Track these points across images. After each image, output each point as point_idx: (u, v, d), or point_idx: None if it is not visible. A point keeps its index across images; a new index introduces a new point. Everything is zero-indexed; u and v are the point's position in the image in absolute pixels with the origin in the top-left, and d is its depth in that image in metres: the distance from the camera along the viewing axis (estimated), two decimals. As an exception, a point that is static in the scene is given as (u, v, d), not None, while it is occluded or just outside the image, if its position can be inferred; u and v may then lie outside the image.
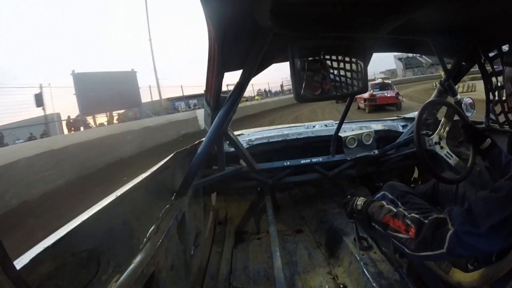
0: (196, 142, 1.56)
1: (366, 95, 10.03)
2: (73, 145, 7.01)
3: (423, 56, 42.65)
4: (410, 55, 41.38)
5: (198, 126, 12.20)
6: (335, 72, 1.05)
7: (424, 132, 1.58)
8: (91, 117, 12.56)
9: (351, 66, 1.06)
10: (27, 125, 9.53)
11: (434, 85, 16.97)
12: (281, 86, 28.44)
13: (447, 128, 1.18)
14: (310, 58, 1.01)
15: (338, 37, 1.03)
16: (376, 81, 12.32)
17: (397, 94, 10.92)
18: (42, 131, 9.74)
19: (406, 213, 0.74)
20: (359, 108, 11.59)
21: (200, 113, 12.35)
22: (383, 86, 11.40)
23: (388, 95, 10.88)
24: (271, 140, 1.86)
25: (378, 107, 10.79)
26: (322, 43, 1.03)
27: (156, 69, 16.95)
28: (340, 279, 1.28)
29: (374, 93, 10.76)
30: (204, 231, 1.65)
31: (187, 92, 17.87)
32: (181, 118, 12.54)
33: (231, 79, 1.19)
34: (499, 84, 1.30)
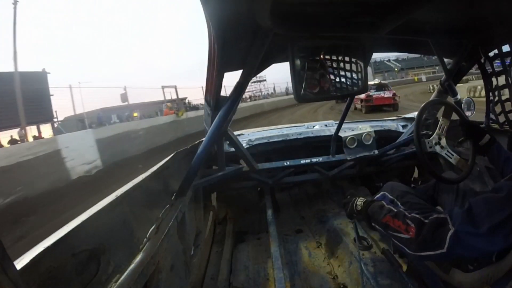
0: (196, 142, 1.56)
1: (362, 95, 9.91)
2: None
3: (391, 61, 42.34)
4: (378, 59, 41.30)
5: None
6: (335, 72, 1.05)
7: (424, 132, 1.58)
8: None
9: (351, 66, 1.06)
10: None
11: (429, 88, 17.00)
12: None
13: (445, 127, 1.18)
14: (310, 58, 1.01)
15: (338, 37, 1.03)
16: (373, 82, 12.29)
17: (394, 94, 10.80)
18: None
19: (406, 213, 0.74)
20: (355, 108, 11.46)
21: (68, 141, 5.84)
22: (379, 87, 11.39)
23: (385, 96, 10.79)
24: (271, 140, 1.86)
25: (374, 108, 10.71)
26: (322, 43, 1.03)
27: (16, 50, 8.66)
28: (340, 279, 1.28)
29: (371, 93, 10.64)
30: (204, 231, 1.65)
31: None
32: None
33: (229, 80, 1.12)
34: (499, 84, 1.30)
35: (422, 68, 42.02)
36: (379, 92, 10.94)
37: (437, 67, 42.88)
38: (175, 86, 13.48)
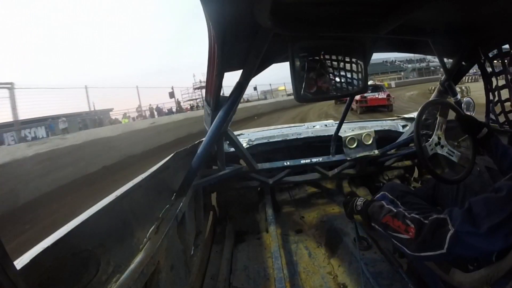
0: (196, 142, 1.56)
1: (357, 96, 9.88)
2: None
3: None
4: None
5: None
6: (335, 72, 1.05)
7: (424, 132, 1.58)
8: None
9: (351, 66, 1.06)
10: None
11: (430, 89, 16.91)
12: (178, 102, 15.85)
13: (444, 126, 1.19)
14: (310, 58, 1.01)
15: (338, 37, 1.03)
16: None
17: (388, 95, 10.92)
18: None
19: (406, 214, 0.74)
20: (352, 109, 11.38)
21: None
22: (374, 88, 11.49)
23: (379, 97, 10.90)
24: (271, 140, 1.86)
25: (369, 109, 10.85)
26: (322, 43, 1.03)
27: None
28: (340, 279, 1.28)
29: (365, 94, 10.58)
30: (204, 231, 1.65)
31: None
32: None
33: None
34: (499, 84, 1.30)
35: (387, 73, 40.90)
36: (373, 93, 11.00)
37: (402, 73, 41.80)
38: (11, 84, 6.91)
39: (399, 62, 43.85)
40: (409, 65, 42.67)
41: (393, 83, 32.82)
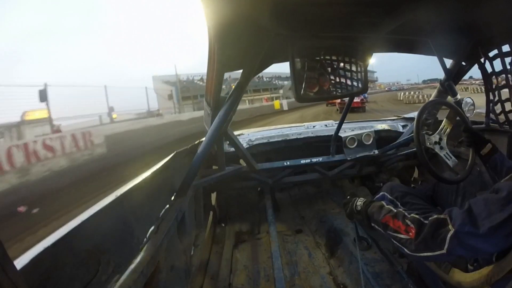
0: (196, 142, 1.56)
1: (338, 100, 12.63)
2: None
3: (203, 79, 28.30)
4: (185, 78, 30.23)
5: None
6: (335, 72, 1.05)
7: (424, 132, 1.58)
8: None
9: (351, 66, 1.06)
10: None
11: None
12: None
13: (448, 130, 1.18)
14: (310, 58, 1.01)
15: (338, 37, 1.03)
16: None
17: (362, 100, 14.78)
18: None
19: (406, 214, 0.74)
20: (338, 110, 14.81)
21: None
22: None
23: (355, 100, 14.49)
24: (271, 140, 1.86)
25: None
26: (322, 43, 1.03)
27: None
28: (340, 279, 1.28)
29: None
30: (204, 231, 1.65)
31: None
32: None
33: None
34: (499, 84, 1.30)
35: (258, 92, 32.27)
36: None
37: (281, 91, 32.34)
38: None
39: (268, 79, 35.03)
40: (285, 82, 34.38)
41: (285, 103, 21.45)
